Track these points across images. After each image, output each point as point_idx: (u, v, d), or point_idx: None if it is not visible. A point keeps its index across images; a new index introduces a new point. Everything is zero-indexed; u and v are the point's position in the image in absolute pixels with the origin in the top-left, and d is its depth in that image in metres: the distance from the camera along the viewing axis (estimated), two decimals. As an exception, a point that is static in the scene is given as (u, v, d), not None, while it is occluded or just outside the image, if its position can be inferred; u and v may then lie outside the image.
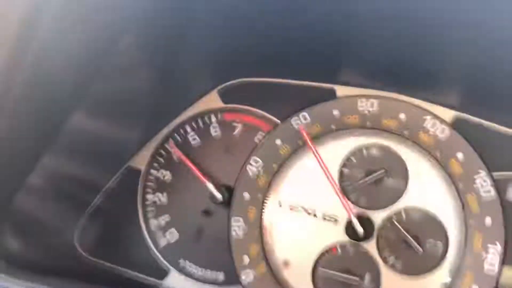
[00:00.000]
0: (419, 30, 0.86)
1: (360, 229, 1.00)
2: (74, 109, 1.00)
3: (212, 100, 1.19)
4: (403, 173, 1.02)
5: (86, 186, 1.18)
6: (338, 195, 1.02)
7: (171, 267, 1.16)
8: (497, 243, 0.93)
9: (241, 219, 1.09)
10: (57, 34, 0.80)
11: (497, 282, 0.93)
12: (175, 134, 1.20)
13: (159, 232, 1.18)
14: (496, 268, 0.93)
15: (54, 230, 1.16)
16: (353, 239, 1.03)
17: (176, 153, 1.18)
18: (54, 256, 1.14)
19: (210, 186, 1.13)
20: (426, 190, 1.01)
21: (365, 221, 1.02)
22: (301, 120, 1.09)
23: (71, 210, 1.18)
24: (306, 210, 1.07)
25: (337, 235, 1.04)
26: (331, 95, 1.09)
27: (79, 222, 1.20)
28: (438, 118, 1.01)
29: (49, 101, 0.89)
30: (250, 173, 1.10)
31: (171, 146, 1.19)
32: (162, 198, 1.19)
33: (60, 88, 0.89)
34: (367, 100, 1.05)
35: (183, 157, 1.17)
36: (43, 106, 0.90)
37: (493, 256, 0.93)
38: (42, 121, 0.93)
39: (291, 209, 1.08)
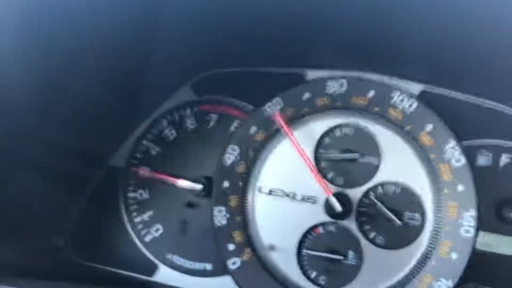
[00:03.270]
0: (383, 7, 0.87)
1: (338, 207, 1.02)
2: (49, 113, 1.01)
3: (186, 93, 1.20)
4: (376, 150, 1.04)
5: (68, 188, 1.19)
6: (315, 176, 1.04)
7: (159, 262, 1.17)
8: (471, 209, 0.96)
9: (223, 208, 1.11)
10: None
11: (473, 247, 0.95)
12: (151, 129, 1.21)
13: (144, 228, 1.19)
14: (472, 233, 0.96)
15: (40, 234, 1.16)
16: (333, 218, 1.05)
17: (143, 172, 1.19)
18: (43, 260, 1.15)
19: (185, 184, 1.14)
20: (400, 164, 1.03)
21: (343, 199, 1.03)
22: (274, 106, 1.10)
23: (56, 213, 1.19)
24: (285, 193, 1.08)
25: (317, 216, 1.06)
26: (301, 79, 1.11)
27: (65, 224, 1.20)
28: (406, 92, 1.03)
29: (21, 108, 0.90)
30: (228, 162, 1.11)
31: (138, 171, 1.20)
32: (144, 194, 1.20)
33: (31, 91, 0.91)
34: (336, 81, 1.07)
35: (155, 174, 1.18)
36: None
37: (468, 222, 0.96)
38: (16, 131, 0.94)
39: (271, 193, 1.10)
